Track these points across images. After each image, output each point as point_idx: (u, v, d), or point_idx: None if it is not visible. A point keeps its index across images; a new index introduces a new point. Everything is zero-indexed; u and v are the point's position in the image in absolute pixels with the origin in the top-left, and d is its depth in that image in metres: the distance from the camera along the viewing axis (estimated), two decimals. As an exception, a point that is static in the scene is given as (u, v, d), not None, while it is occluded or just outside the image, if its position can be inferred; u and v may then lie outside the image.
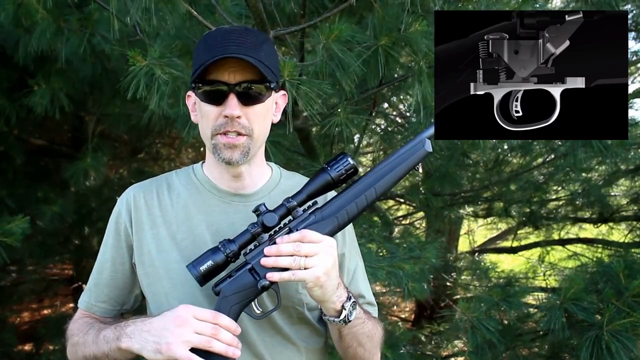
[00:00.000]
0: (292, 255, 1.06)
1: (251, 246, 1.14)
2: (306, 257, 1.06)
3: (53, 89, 2.72)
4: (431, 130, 1.16)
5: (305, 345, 1.27)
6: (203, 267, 1.10)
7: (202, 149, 5.52)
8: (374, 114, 2.86)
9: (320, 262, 1.06)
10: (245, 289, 1.12)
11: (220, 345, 1.04)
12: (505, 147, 3.88)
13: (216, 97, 1.14)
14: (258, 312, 1.16)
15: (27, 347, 4.83)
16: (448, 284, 4.68)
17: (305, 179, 1.34)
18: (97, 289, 1.31)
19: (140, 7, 1.68)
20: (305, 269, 1.06)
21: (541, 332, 2.75)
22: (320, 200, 1.17)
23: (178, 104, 2.01)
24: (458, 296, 5.09)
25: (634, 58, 4.25)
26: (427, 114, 2.10)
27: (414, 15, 1.88)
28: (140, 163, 4.74)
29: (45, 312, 6.00)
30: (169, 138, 5.04)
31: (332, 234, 1.14)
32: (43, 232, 3.75)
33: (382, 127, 4.11)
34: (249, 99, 1.15)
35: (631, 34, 3.61)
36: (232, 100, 1.13)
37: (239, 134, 1.15)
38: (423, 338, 4.18)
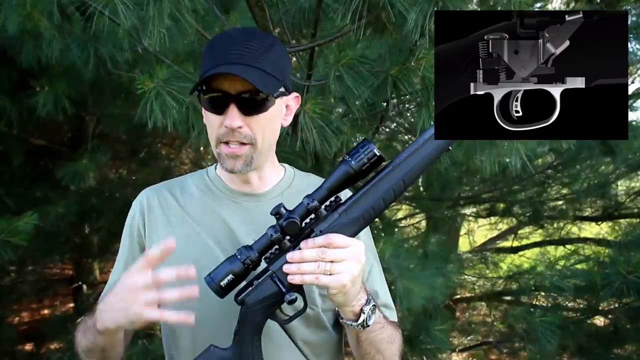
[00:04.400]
0: (316, 262, 1.00)
1: (272, 250, 1.07)
2: (332, 262, 1.00)
3: (57, 92, 2.72)
4: None
5: (314, 352, 1.25)
6: (222, 281, 1.04)
7: (202, 148, 5.52)
8: (379, 130, 2.86)
9: (346, 269, 1.00)
10: (269, 299, 1.06)
11: (170, 296, 1.01)
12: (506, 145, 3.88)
13: (217, 106, 1.12)
14: (285, 317, 1.11)
15: (27, 347, 4.84)
16: (449, 283, 4.67)
17: (320, 179, 1.32)
18: None
19: (154, 28, 1.68)
20: (330, 274, 1.00)
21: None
22: (344, 193, 1.10)
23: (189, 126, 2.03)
24: (458, 296, 5.09)
25: (634, 58, 4.25)
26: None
27: (427, 42, 1.87)
28: (140, 163, 4.74)
29: (45, 312, 6.01)
30: (169, 138, 5.03)
31: (357, 233, 1.08)
32: (43, 232, 3.75)
33: (388, 131, 4.08)
34: (250, 109, 1.12)
35: (631, 34, 3.61)
36: (233, 110, 1.10)
37: (242, 143, 1.13)
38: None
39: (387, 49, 1.95)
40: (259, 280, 1.07)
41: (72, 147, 4.44)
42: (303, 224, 1.06)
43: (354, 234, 1.07)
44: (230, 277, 1.04)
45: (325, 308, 1.23)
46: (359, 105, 1.99)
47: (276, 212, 1.05)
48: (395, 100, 2.03)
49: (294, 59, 2.25)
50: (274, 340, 1.19)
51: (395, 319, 1.34)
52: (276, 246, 1.07)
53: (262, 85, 1.09)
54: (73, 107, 2.83)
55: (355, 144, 1.08)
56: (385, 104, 2.24)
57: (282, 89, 1.17)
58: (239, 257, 1.05)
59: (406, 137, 3.75)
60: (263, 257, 1.07)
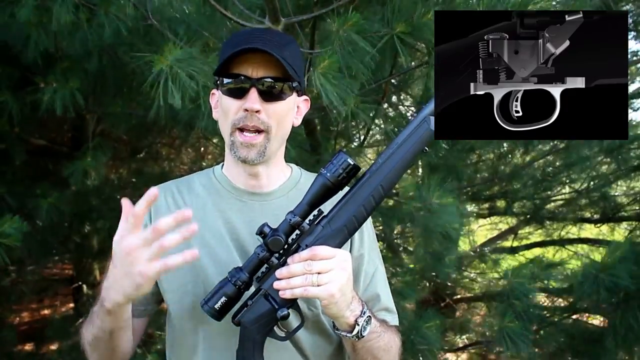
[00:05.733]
0: (303, 274, 1.02)
1: (263, 269, 1.09)
2: (319, 273, 1.02)
3: (68, 88, 2.70)
4: (431, 106, 1.08)
5: (313, 353, 1.25)
6: (217, 304, 1.07)
7: (201, 148, 5.52)
8: (383, 105, 2.84)
9: (333, 279, 1.02)
10: (264, 317, 1.08)
11: (171, 240, 0.97)
12: (505, 146, 3.88)
13: (238, 91, 1.15)
14: (282, 334, 1.13)
15: (27, 347, 4.84)
16: (449, 283, 4.68)
17: None
18: None
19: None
20: (318, 285, 1.02)
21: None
22: (329, 204, 1.11)
23: (199, 106, 2.01)
24: (459, 295, 5.09)
25: (634, 58, 4.25)
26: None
27: (427, 6, 1.87)
28: (140, 163, 4.73)
29: (45, 312, 6.00)
30: (169, 138, 5.03)
31: (343, 244, 1.09)
32: (43, 231, 3.75)
33: (390, 115, 4.08)
34: (270, 95, 1.15)
35: (631, 34, 3.61)
36: (253, 94, 1.13)
37: (257, 130, 1.15)
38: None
39: (388, 17, 1.94)
40: (253, 300, 1.09)
41: (73, 147, 4.45)
42: (290, 240, 1.08)
43: (339, 244, 1.09)
44: (223, 299, 1.07)
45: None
46: (366, 69, 1.97)
47: (260, 232, 1.07)
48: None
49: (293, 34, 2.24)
50: (273, 343, 1.19)
51: (397, 323, 1.34)
52: (266, 265, 1.09)
53: (288, 67, 1.13)
54: (84, 103, 2.79)
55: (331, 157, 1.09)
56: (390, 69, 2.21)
57: (297, 84, 1.19)
58: (230, 279, 1.07)
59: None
60: (254, 277, 1.09)
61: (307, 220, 1.09)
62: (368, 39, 1.89)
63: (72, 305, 5.66)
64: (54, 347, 4.31)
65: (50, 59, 2.71)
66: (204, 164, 5.19)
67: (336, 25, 1.83)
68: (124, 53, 2.47)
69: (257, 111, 1.14)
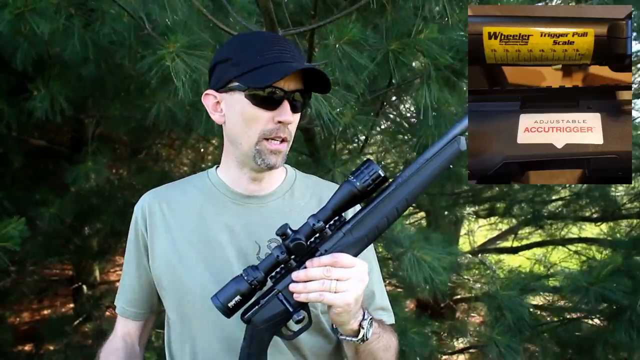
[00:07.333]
0: (321, 280, 1.01)
1: (278, 269, 1.08)
2: (337, 280, 1.01)
3: (52, 93, 2.70)
4: (465, 124, 1.04)
5: (313, 353, 1.25)
6: (230, 302, 1.05)
7: (201, 149, 5.52)
8: (380, 115, 2.85)
9: (351, 288, 1.01)
10: (276, 318, 1.07)
11: None
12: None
13: (271, 103, 1.14)
14: (288, 334, 1.13)
15: (27, 348, 4.84)
16: (449, 284, 4.67)
17: (321, 181, 1.34)
18: (125, 292, 1.34)
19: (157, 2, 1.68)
20: (335, 292, 1.01)
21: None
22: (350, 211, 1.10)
23: (197, 98, 2.01)
24: (459, 296, 5.09)
25: (634, 58, 4.25)
26: (438, 116, 2.10)
27: (425, 21, 1.87)
28: (140, 164, 4.73)
29: (45, 312, 6.01)
30: (169, 139, 5.04)
31: (360, 252, 1.08)
32: (43, 233, 3.75)
33: (386, 126, 4.10)
34: (296, 107, 1.16)
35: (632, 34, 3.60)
36: (287, 106, 1.13)
37: (283, 140, 1.16)
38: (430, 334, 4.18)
39: (385, 29, 1.94)
40: (265, 299, 1.08)
41: (73, 148, 4.44)
42: (308, 242, 1.07)
43: (357, 253, 1.07)
44: (238, 298, 1.05)
45: (324, 310, 1.23)
46: (362, 83, 1.97)
47: (282, 233, 1.05)
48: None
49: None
50: (273, 344, 1.19)
51: (392, 321, 1.34)
52: (282, 265, 1.07)
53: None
54: (71, 109, 2.79)
55: (358, 165, 1.07)
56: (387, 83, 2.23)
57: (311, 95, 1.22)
58: (245, 277, 1.05)
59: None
60: (269, 276, 1.08)
61: (328, 225, 1.07)
62: (365, 52, 1.90)
63: (72, 305, 5.67)
64: (53, 347, 4.31)
65: (43, 65, 2.71)
66: (203, 165, 5.19)
67: (333, 39, 1.83)
68: (121, 57, 2.47)
69: (289, 122, 1.15)
